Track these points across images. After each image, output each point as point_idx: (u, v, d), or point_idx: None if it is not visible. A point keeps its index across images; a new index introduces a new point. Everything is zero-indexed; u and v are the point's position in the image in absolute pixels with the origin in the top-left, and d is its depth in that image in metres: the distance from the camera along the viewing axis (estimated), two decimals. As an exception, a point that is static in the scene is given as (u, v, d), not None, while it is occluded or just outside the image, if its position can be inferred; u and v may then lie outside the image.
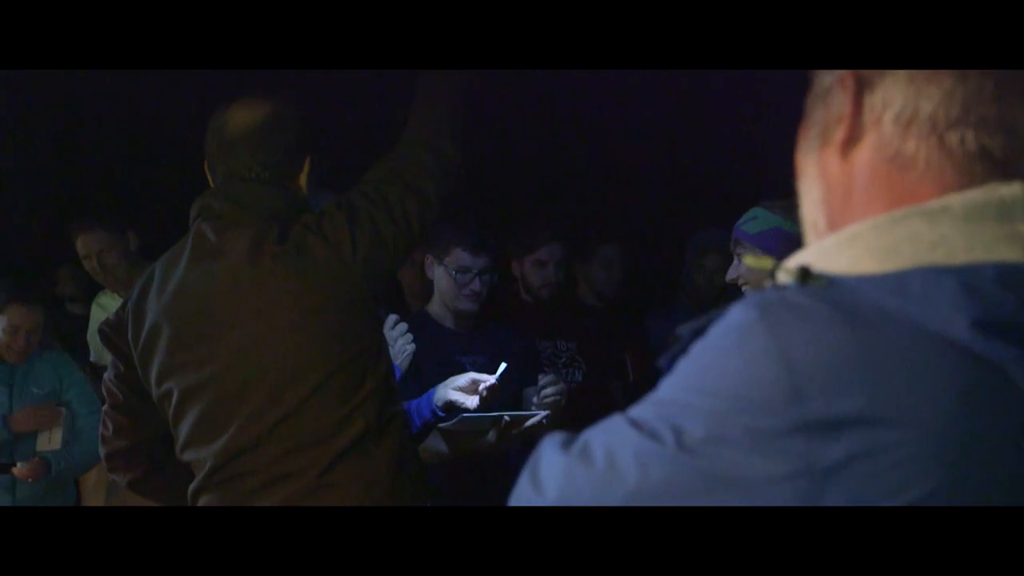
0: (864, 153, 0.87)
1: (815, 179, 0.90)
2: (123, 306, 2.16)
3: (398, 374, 2.54)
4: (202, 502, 2.07)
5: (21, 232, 4.72)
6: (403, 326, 2.73)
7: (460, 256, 2.96)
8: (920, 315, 0.76)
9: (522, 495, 0.85)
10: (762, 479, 0.74)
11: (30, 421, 3.79)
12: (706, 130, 4.70)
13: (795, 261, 0.85)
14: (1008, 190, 0.82)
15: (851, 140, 0.87)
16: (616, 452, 0.80)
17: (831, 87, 0.89)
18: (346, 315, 2.02)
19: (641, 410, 0.82)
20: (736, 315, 0.79)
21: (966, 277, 0.77)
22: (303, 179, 2.11)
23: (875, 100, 0.86)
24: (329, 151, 2.18)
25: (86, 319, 4.56)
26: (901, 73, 0.85)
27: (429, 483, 2.20)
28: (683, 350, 0.83)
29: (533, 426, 2.73)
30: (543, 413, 2.76)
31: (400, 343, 2.69)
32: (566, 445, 0.84)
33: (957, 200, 0.82)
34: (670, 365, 0.84)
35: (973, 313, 0.75)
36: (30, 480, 3.71)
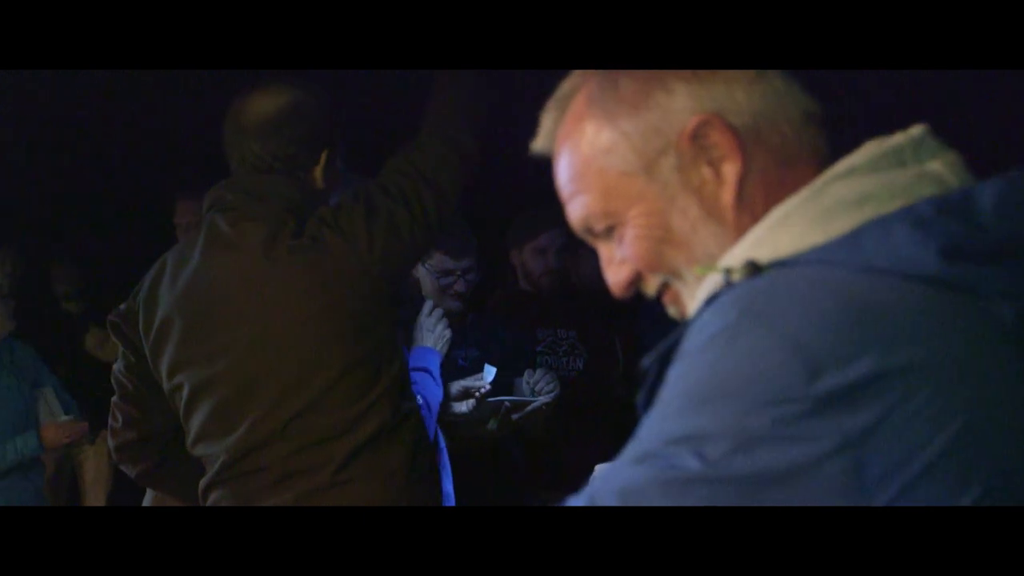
0: (743, 169, 0.89)
1: (700, 220, 0.90)
2: (133, 296, 2.13)
3: (438, 360, 2.52)
4: (213, 497, 2.05)
5: (18, 231, 4.69)
6: (439, 311, 2.66)
7: (442, 260, 2.91)
8: (886, 263, 0.77)
9: None
10: (805, 466, 0.73)
11: (60, 437, 3.75)
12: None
13: (736, 258, 0.85)
14: (885, 143, 0.87)
15: (744, 169, 0.89)
16: (633, 493, 0.76)
17: (689, 134, 0.89)
18: (362, 310, 1.99)
19: (641, 447, 0.79)
20: (712, 323, 0.78)
21: (910, 216, 0.79)
22: (319, 172, 2.07)
23: (739, 124, 0.89)
24: (350, 143, 2.14)
25: (80, 317, 4.54)
26: (736, 86, 0.89)
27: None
28: (656, 381, 0.82)
29: (534, 411, 2.73)
30: (544, 399, 2.76)
31: (439, 329, 2.61)
32: None
33: (856, 159, 0.87)
34: (648, 399, 0.83)
35: (935, 244, 0.77)
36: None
